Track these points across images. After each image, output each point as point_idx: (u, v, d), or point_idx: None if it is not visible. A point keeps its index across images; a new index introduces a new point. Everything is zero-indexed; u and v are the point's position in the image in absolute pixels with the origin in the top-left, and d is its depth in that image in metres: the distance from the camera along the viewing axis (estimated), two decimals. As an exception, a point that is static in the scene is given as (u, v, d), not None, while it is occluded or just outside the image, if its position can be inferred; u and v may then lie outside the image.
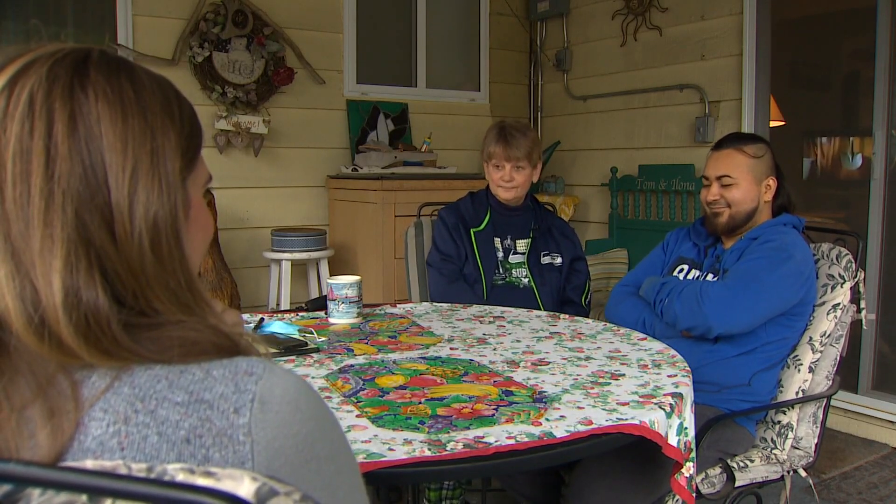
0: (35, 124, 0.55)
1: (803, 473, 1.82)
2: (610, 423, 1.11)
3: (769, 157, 1.95)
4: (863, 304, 1.87)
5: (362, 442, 1.03)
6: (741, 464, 1.75)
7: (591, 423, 1.11)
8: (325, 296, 1.93)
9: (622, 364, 1.45)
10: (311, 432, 0.56)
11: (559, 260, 2.37)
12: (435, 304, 2.16)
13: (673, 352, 1.54)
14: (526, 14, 4.79)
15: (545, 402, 1.21)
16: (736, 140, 1.98)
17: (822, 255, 1.93)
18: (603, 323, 1.86)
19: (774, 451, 1.84)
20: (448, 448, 1.01)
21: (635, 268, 2.18)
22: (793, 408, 1.85)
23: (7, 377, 0.53)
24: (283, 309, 3.05)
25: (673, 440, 1.19)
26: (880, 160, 3.12)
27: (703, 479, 1.68)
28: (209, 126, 3.67)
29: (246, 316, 1.86)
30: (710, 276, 1.94)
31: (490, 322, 1.87)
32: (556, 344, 1.62)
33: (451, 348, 1.59)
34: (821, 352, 1.86)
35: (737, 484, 1.71)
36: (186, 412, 0.53)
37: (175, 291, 0.60)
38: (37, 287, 0.54)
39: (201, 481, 0.48)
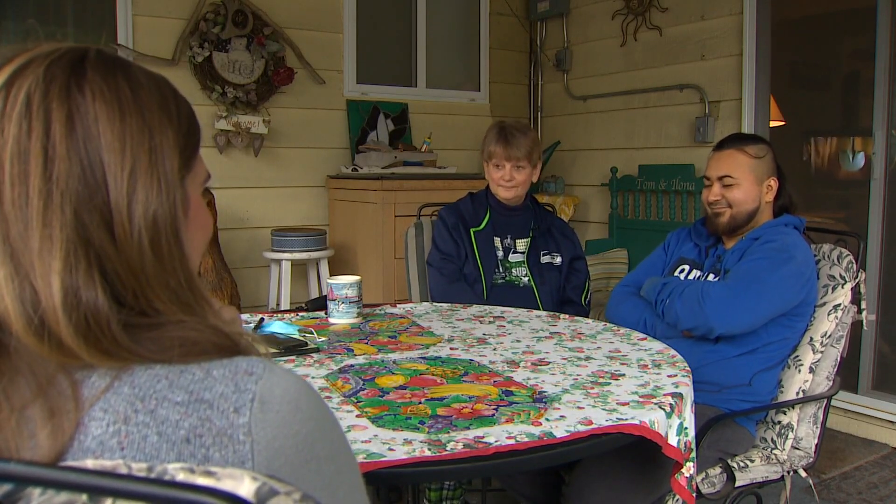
0: (32, 125, 0.55)
1: (803, 473, 1.82)
2: (610, 423, 1.11)
3: (770, 158, 1.95)
4: (863, 306, 1.87)
5: (362, 442, 1.03)
6: (741, 464, 1.75)
7: (591, 423, 1.11)
8: (325, 296, 1.93)
9: (622, 364, 1.45)
10: (311, 432, 0.56)
11: (559, 259, 2.38)
12: (435, 304, 2.16)
13: (673, 352, 1.54)
14: (526, 14, 4.79)
15: (545, 402, 1.21)
16: (737, 140, 1.98)
17: (823, 256, 1.93)
18: (603, 323, 1.86)
19: (775, 452, 1.84)
20: (448, 448, 1.01)
21: (636, 268, 2.18)
22: (793, 408, 1.86)
23: (7, 377, 0.53)
24: (283, 309, 3.05)
25: (673, 440, 1.19)
26: (880, 160, 3.12)
27: (703, 479, 1.68)
28: (209, 126, 3.67)
29: (246, 316, 1.86)
30: (711, 277, 1.94)
31: (490, 322, 1.87)
32: (556, 344, 1.62)
33: (451, 348, 1.59)
34: (821, 352, 1.86)
35: (737, 484, 1.71)
36: (186, 412, 0.53)
37: (175, 290, 0.60)
38: (36, 288, 0.54)
39: (201, 481, 0.48)
